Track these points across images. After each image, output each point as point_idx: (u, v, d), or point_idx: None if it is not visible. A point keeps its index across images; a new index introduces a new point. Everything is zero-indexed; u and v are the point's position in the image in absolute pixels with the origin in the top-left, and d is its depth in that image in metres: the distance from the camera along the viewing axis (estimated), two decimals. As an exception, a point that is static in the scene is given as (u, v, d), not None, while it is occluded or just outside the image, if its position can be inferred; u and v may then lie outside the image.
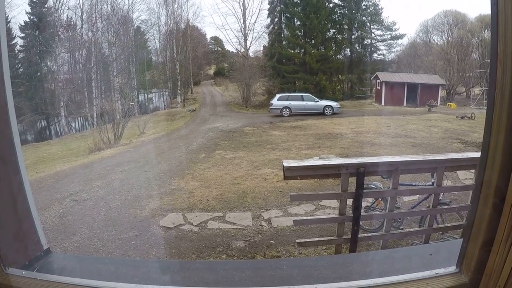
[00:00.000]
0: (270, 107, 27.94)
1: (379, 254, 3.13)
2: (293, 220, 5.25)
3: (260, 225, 7.54)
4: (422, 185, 5.89)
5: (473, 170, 4.62)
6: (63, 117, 29.90)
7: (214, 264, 2.99)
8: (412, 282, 1.44)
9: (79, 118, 31.63)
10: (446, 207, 5.32)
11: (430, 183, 5.49)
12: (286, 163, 4.08)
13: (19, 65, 30.10)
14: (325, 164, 4.36)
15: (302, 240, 4.98)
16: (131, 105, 26.16)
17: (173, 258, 6.39)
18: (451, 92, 31.58)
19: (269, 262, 3.25)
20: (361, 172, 4.08)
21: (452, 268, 1.46)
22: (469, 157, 4.49)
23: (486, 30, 31.90)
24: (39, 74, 30.51)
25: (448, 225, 5.25)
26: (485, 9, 30.18)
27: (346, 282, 1.48)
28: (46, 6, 30.85)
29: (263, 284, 1.61)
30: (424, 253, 1.90)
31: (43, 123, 31.47)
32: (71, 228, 7.68)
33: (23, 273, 1.57)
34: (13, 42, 28.95)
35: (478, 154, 4.67)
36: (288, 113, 26.55)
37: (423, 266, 1.54)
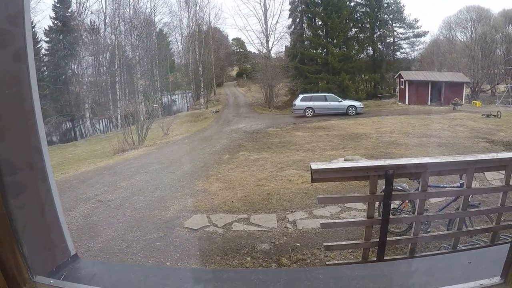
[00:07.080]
0: (293, 107, 27.81)
1: (417, 263, 3.06)
2: (320, 223, 5.13)
3: (285, 227, 7.48)
4: (450, 187, 5.78)
5: (502, 172, 4.48)
6: (88, 119, 30.51)
7: (248, 274, 2.91)
8: (457, 296, 1.38)
9: (103, 120, 32.28)
10: (476, 209, 5.19)
11: (459, 184, 5.39)
12: (314, 166, 3.98)
13: (45, 69, 31.02)
14: (354, 167, 4.26)
15: (330, 244, 4.91)
16: (155, 107, 26.32)
17: (204, 263, 6.35)
18: (476, 90, 30.94)
19: (304, 272, 3.17)
20: (390, 174, 3.98)
21: (497, 279, 1.40)
22: (500, 158, 4.39)
23: (510, 25, 31.51)
24: (64, 77, 31.24)
25: (478, 228, 5.13)
26: (509, 3, 29.78)
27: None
28: (69, 11, 31.71)
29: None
30: (463, 261, 1.85)
31: (68, 124, 32.18)
32: (95, 229, 7.73)
33: (51, 281, 1.55)
34: (38, 46, 29.73)
35: (508, 155, 4.58)
36: (312, 113, 26.41)
37: (464, 276, 1.49)
